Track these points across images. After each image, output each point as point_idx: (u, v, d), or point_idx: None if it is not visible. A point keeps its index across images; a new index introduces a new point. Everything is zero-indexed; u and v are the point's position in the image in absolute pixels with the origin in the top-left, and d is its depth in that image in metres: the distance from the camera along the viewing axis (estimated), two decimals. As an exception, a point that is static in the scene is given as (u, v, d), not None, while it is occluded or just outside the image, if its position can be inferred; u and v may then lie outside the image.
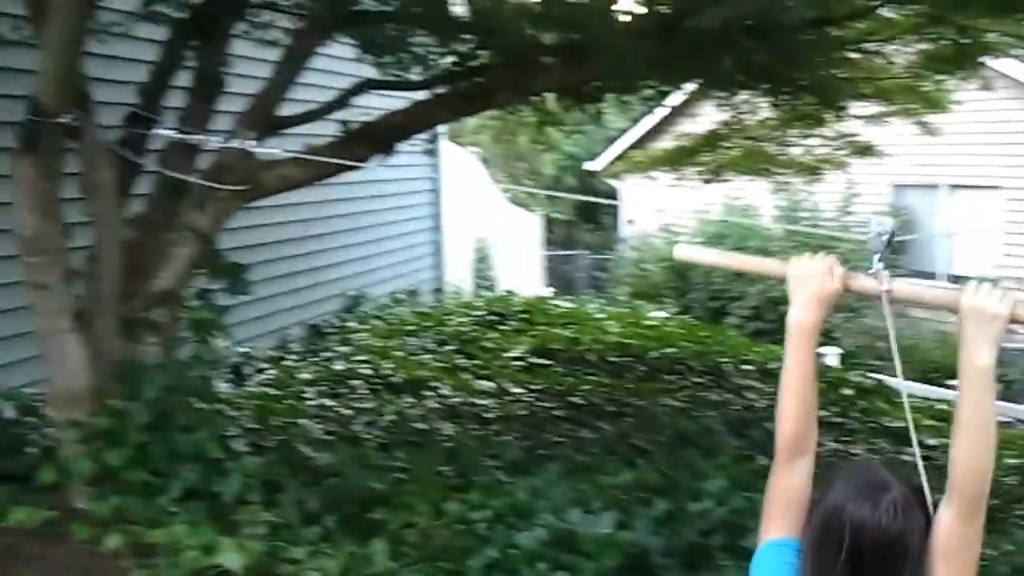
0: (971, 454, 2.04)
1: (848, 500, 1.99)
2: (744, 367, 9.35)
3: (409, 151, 8.11)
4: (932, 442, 7.57)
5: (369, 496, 4.79)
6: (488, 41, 6.15)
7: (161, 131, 4.89)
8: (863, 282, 2.22)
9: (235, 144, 4.89)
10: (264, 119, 5.17)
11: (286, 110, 5.59)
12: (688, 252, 2.62)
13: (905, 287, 2.21)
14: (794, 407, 2.23)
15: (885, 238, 2.23)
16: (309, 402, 6.83)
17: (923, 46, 7.30)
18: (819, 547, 2.03)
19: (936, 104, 8.55)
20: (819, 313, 2.20)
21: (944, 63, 7.33)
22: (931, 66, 7.62)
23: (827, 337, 14.48)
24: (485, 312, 10.61)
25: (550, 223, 23.50)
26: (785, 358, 2.24)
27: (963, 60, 7.29)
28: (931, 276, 15.54)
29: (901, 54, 7.69)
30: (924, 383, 12.49)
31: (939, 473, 5.35)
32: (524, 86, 5.81)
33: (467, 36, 6.39)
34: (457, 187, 13.55)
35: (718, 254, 2.75)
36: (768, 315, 15.25)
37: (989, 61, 10.49)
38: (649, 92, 7.78)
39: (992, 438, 2.06)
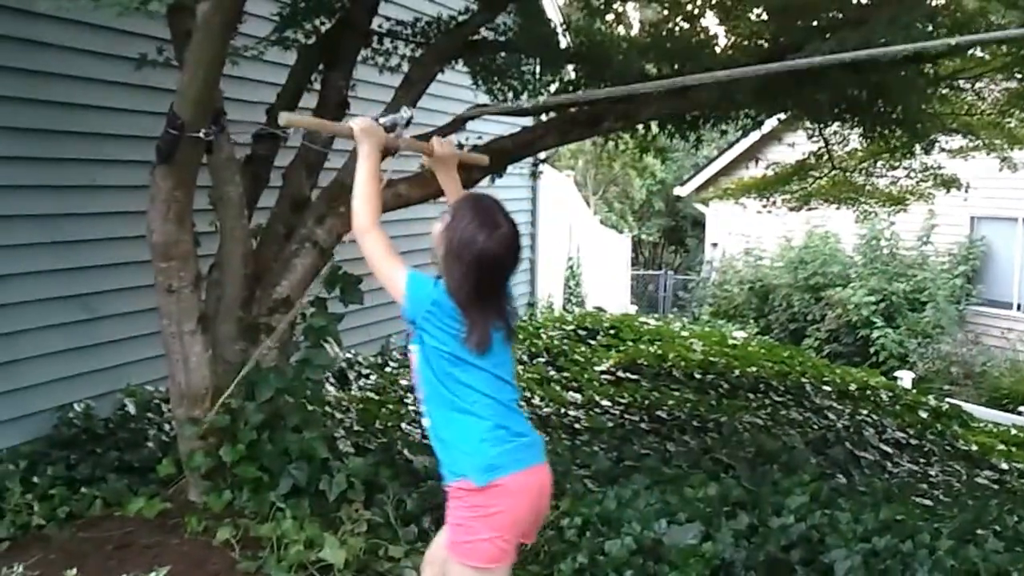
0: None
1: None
2: (823, 387, 9.11)
3: (512, 173, 8.09)
4: (1004, 466, 7.30)
5: (464, 499, 4.73)
6: (594, 71, 6.10)
7: (286, 145, 4.92)
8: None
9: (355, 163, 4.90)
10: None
11: (406, 133, 5.58)
12: (289, 117, 3.20)
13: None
14: (376, 201, 3.03)
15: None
16: (409, 408, 6.80)
17: (1009, 84, 7.12)
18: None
19: (1019, 140, 8.34)
20: (379, 154, 3.07)
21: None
22: (1016, 103, 7.43)
23: (902, 361, 14.13)
24: (575, 327, 10.52)
25: (638, 244, 23.36)
26: (365, 174, 3.01)
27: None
28: (1009, 306, 15.10)
29: (989, 91, 7.50)
30: (995, 408, 12.10)
31: (1012, 496, 5.11)
32: (631, 114, 5.73)
33: (574, 65, 6.36)
34: (552, 208, 13.49)
35: (315, 121, 3.70)
36: (845, 339, 14.94)
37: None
38: (746, 121, 7.64)
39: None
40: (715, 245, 19.68)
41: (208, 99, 4.04)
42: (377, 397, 6.96)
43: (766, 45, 5.90)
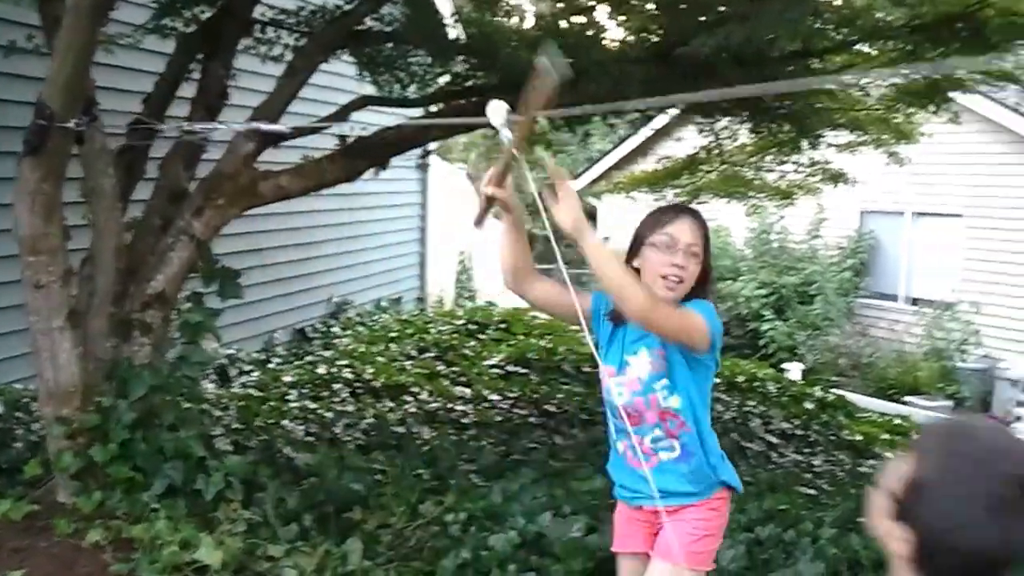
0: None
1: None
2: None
3: (399, 166, 8.11)
4: (888, 455, 7.62)
5: (347, 497, 4.77)
6: (484, 63, 6.15)
7: (164, 135, 4.88)
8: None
9: (235, 154, 4.89)
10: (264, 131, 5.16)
11: (285, 123, 5.58)
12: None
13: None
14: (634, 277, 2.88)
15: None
16: (292, 404, 6.79)
17: (897, 80, 7.34)
18: None
19: (906, 136, 8.62)
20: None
21: (915, 97, 7.38)
22: (903, 99, 7.68)
23: (791, 353, 14.56)
24: (465, 322, 10.60)
25: (531, 238, 23.51)
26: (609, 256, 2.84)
27: (933, 95, 7.34)
28: (893, 298, 15.64)
29: (876, 87, 7.74)
30: (882, 398, 12.58)
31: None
32: (516, 107, 5.80)
33: (464, 57, 6.41)
34: (443, 201, 13.55)
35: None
36: (735, 331, 15.30)
37: (958, 96, 10.60)
38: (635, 116, 7.81)
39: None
40: (607, 239, 19.94)
41: (79, 87, 3.99)
42: (259, 394, 6.94)
43: (655, 39, 6.04)
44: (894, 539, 1.48)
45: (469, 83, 6.51)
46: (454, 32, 6.60)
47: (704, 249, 3.00)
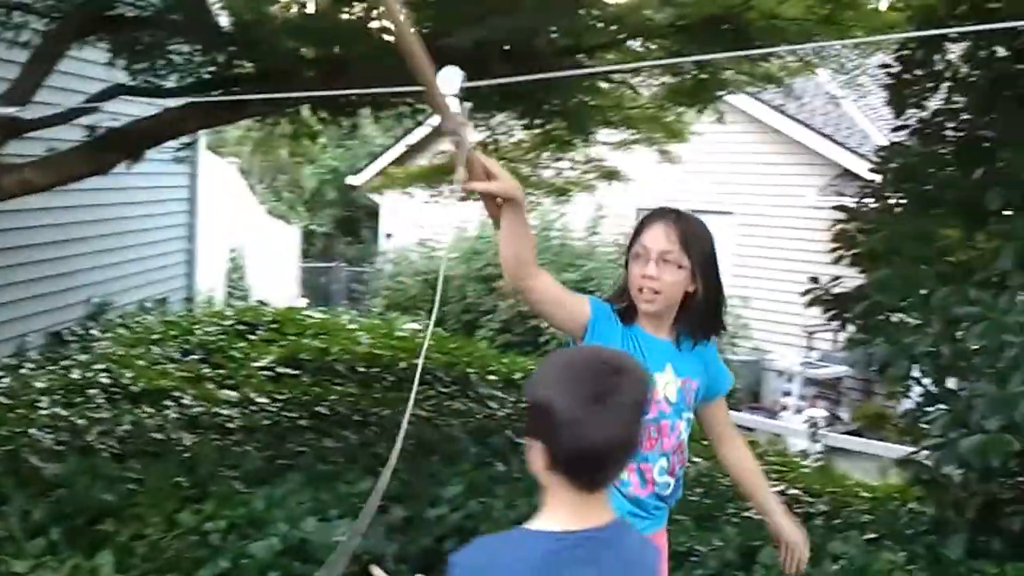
0: None
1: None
2: (490, 377, 9.54)
3: (163, 159, 7.91)
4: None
5: (99, 507, 4.65)
6: (245, 52, 6.08)
7: None
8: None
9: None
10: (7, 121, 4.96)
11: (31, 113, 5.37)
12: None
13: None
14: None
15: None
16: (42, 412, 6.54)
17: (667, 79, 7.66)
18: None
19: (677, 134, 9.01)
20: None
21: (685, 96, 7.72)
22: (673, 99, 8.01)
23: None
24: (235, 322, 10.43)
25: (309, 235, 23.32)
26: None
27: (701, 94, 7.71)
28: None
29: (647, 86, 8.05)
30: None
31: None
32: (279, 99, 5.77)
33: (227, 46, 6.31)
34: (214, 197, 13.27)
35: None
36: (517, 328, 15.63)
37: (726, 96, 11.16)
38: (407, 109, 7.86)
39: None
40: (390, 236, 20.00)
41: None
42: (7, 402, 6.66)
43: (425, 31, 6.11)
44: (533, 452, 1.83)
45: (231, 72, 6.41)
46: (220, 19, 6.50)
47: (691, 255, 2.83)
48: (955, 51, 6.08)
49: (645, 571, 1.98)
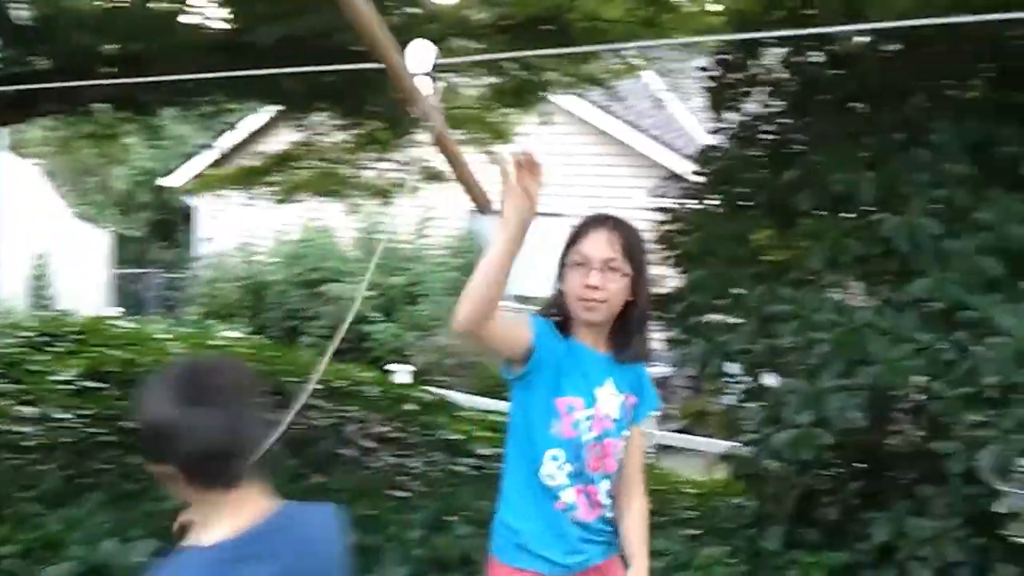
0: None
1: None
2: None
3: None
4: (486, 452, 8.02)
5: None
6: (39, 47, 5.84)
7: None
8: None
9: None
10: None
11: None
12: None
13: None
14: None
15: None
16: None
17: (492, 79, 7.71)
18: None
19: (502, 135, 9.07)
20: None
21: (508, 96, 7.79)
22: (497, 99, 8.07)
23: (400, 355, 14.94)
24: (36, 333, 9.99)
25: (121, 240, 22.54)
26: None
27: (525, 95, 7.79)
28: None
29: (472, 87, 8.09)
30: (488, 396, 13.12)
31: (487, 481, 5.60)
32: (71, 95, 5.57)
33: (22, 40, 6.04)
34: (15, 200, 12.72)
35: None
36: (344, 334, 15.46)
37: (557, 98, 11.32)
38: (214, 108, 7.69)
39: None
40: (208, 240, 19.53)
41: None
42: None
43: (225, 27, 6.00)
44: (163, 475, 1.87)
45: (26, 68, 6.15)
46: (16, 11, 6.21)
47: (633, 261, 2.78)
48: (773, 56, 6.32)
49: (328, 546, 2.03)
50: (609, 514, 2.85)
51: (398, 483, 6.61)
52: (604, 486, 2.82)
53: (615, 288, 2.76)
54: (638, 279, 2.80)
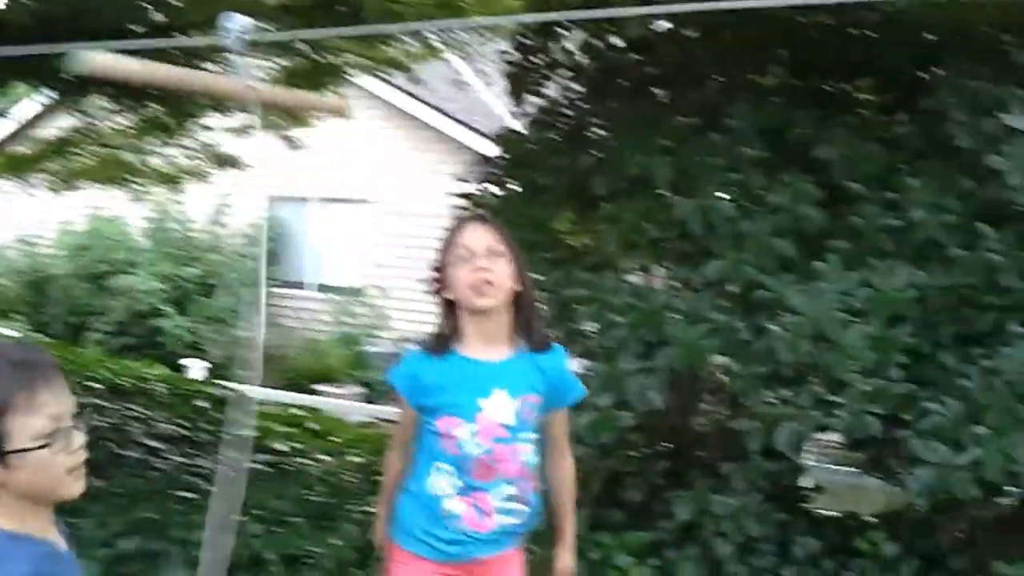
0: None
1: None
2: (92, 385, 8.99)
3: None
4: (283, 447, 7.88)
5: None
6: None
7: None
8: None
9: None
10: None
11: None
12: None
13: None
14: None
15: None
16: None
17: (284, 62, 7.55)
18: None
19: (299, 119, 8.91)
20: None
21: (303, 79, 7.65)
22: (292, 82, 7.88)
23: (195, 350, 14.52)
24: None
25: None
26: None
27: (320, 78, 7.65)
28: (300, 286, 16.15)
29: (265, 70, 7.89)
30: (290, 390, 12.94)
31: (284, 477, 5.49)
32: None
33: None
34: None
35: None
36: (134, 329, 14.96)
37: (361, 82, 11.19)
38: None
39: None
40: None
41: None
42: None
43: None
44: None
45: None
46: None
47: (512, 253, 2.93)
48: (574, 41, 6.40)
49: None
50: (514, 519, 2.97)
51: (186, 484, 6.41)
52: (503, 491, 2.93)
53: (504, 272, 2.89)
54: (520, 268, 2.94)
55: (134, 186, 9.84)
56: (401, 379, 2.98)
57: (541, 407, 2.98)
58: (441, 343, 2.95)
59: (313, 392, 13.23)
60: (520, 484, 2.95)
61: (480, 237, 2.91)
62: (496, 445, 2.89)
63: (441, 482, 2.94)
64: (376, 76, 11.37)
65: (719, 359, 4.92)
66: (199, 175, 9.79)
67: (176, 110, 7.40)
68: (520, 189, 6.03)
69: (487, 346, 2.92)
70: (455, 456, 2.91)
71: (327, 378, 14.18)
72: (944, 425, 4.29)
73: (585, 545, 5.12)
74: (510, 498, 2.93)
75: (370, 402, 13.39)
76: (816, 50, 5.55)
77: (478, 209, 3.04)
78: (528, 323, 2.96)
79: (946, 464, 4.21)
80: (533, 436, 2.98)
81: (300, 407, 10.36)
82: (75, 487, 1.89)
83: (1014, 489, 4.48)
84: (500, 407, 2.90)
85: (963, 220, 4.64)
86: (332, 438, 8.82)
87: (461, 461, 2.91)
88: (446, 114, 15.14)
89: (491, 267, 2.86)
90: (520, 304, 2.94)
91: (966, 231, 4.60)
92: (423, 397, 2.95)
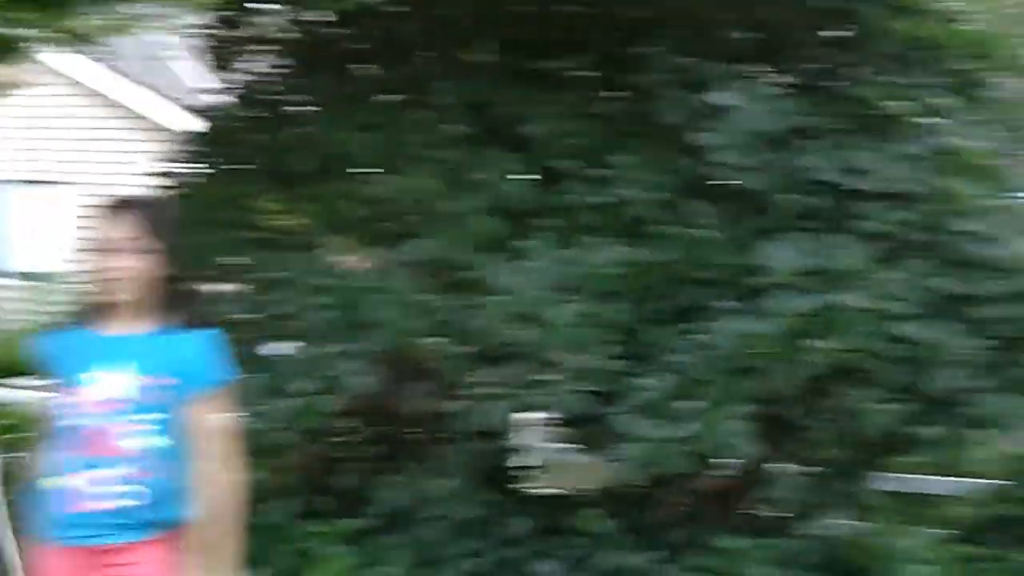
0: None
1: None
2: None
3: None
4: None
5: None
6: None
7: None
8: None
9: None
10: None
11: None
12: None
13: None
14: None
15: None
16: None
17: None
18: None
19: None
20: None
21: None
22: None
23: None
24: None
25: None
26: None
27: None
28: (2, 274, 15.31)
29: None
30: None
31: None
32: None
33: None
34: None
35: None
36: None
37: (38, 54, 10.56)
38: None
39: None
40: None
41: None
42: None
43: None
44: None
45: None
46: None
47: (160, 237, 2.86)
48: (280, 15, 6.24)
49: None
50: (132, 500, 2.83)
51: None
52: (118, 471, 2.81)
53: (137, 266, 2.83)
54: (169, 253, 2.88)
55: None
56: (35, 354, 2.98)
57: (176, 390, 2.88)
58: (77, 318, 2.97)
59: (4, 385, 12.48)
60: (140, 465, 2.84)
61: (115, 229, 2.86)
62: (112, 420, 2.83)
63: (58, 458, 2.86)
64: (66, 51, 10.80)
65: (430, 340, 4.87)
66: None
67: None
68: (222, 168, 5.82)
69: (122, 323, 2.90)
70: (69, 428, 2.85)
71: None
72: (657, 400, 4.40)
73: (293, 535, 5.03)
74: (126, 480, 2.82)
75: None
76: (524, 27, 5.59)
77: (127, 196, 2.92)
78: (172, 305, 2.92)
79: (656, 438, 4.32)
80: (161, 418, 2.88)
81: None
82: None
83: (731, 461, 4.65)
84: (121, 382, 2.84)
85: (673, 197, 4.77)
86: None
87: (66, 432, 2.85)
88: (148, 90, 14.59)
89: (119, 262, 2.83)
90: (166, 288, 2.90)
91: (675, 207, 4.74)
92: (51, 370, 2.95)
